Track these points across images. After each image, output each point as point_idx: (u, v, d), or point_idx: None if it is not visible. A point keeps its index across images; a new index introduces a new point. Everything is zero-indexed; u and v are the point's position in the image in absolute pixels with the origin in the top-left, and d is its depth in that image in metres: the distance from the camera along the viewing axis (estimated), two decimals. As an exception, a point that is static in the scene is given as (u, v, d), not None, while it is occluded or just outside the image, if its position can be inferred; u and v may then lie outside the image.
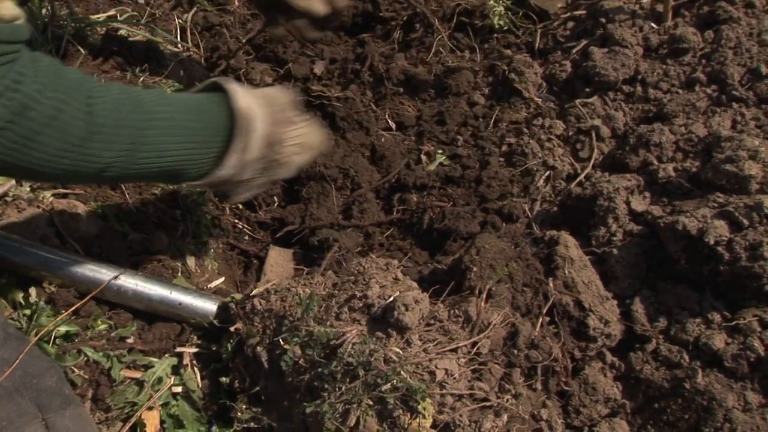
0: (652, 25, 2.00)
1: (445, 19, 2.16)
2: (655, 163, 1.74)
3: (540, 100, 1.99)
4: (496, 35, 2.11)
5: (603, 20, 2.04)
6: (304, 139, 1.36)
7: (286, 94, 1.35)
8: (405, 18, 2.17)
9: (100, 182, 1.40)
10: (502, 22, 2.14)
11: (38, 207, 1.58)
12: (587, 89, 1.97)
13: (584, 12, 2.12)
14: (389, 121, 2.06)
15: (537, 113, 1.98)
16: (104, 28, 2.14)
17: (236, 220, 1.89)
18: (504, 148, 1.95)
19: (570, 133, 1.92)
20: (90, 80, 1.12)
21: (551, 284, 1.45)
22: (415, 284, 1.36)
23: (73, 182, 1.64)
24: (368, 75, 2.11)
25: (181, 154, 1.21)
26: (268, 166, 1.33)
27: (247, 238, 1.88)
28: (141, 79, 1.99)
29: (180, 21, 2.31)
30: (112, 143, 1.12)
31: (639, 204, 1.67)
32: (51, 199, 1.63)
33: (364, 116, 2.02)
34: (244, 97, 1.26)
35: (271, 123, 1.30)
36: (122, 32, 2.15)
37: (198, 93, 1.28)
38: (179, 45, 2.18)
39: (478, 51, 2.11)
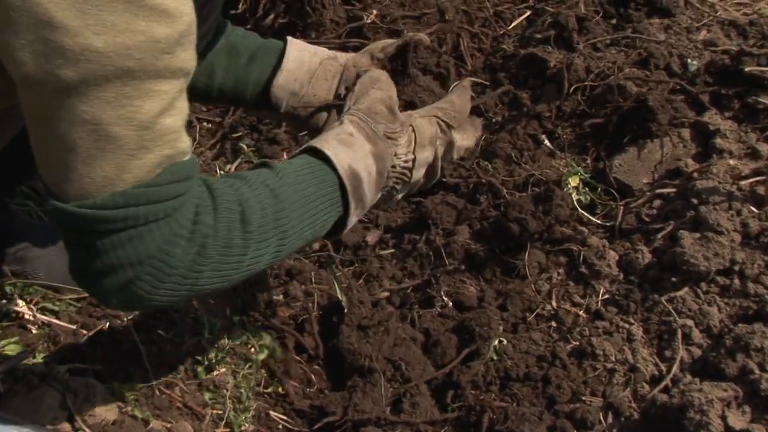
0: (752, 209, 2.01)
1: (515, 189, 2.21)
2: (757, 371, 1.71)
3: (617, 291, 2.01)
4: (572, 211, 2.14)
5: (695, 201, 2.05)
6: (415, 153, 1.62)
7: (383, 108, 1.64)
8: (471, 186, 2.24)
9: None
10: (581, 198, 2.18)
11: (51, 385, 1.59)
12: (674, 279, 1.96)
13: (673, 190, 2.14)
14: (447, 300, 2.09)
15: (614, 305, 2.01)
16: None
17: (270, 408, 1.89)
18: (575, 343, 1.96)
19: (654, 331, 1.92)
20: (239, 189, 1.33)
21: None
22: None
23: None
24: (426, 248, 2.17)
25: (316, 225, 1.45)
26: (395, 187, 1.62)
27: (281, 426, 1.88)
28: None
29: (222, 173, 2.41)
30: (266, 240, 1.34)
31: (737, 420, 1.64)
32: (66, 375, 1.65)
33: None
34: (343, 156, 1.49)
35: (376, 170, 1.54)
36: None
37: (304, 161, 1.50)
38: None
39: (550, 229, 2.13)
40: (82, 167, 1.12)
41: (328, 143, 1.50)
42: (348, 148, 1.51)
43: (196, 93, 1.84)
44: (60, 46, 1.04)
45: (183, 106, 1.19)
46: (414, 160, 1.61)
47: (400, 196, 1.67)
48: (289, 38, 1.84)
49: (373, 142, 1.55)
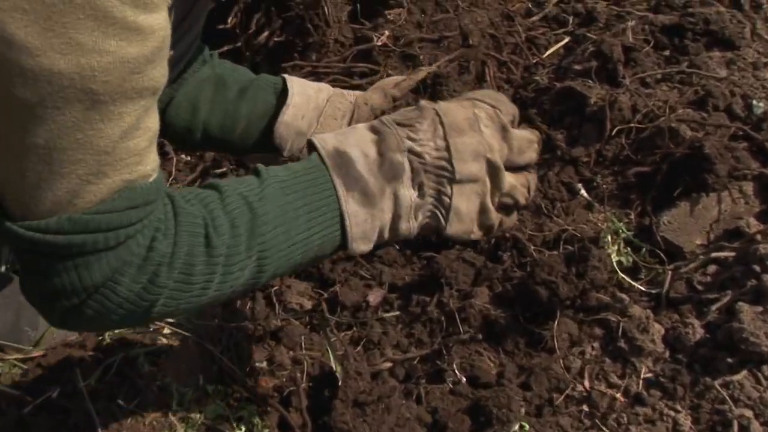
0: (822, 279, 1.89)
1: (545, 246, 2.11)
2: (828, 478, 1.61)
3: (662, 371, 1.91)
4: (610, 275, 2.03)
5: (757, 268, 1.93)
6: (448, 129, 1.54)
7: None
8: (492, 241, 2.13)
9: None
10: (622, 259, 2.07)
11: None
12: (730, 360, 1.85)
13: (732, 254, 2.02)
14: (459, 375, 1.99)
15: (658, 389, 1.90)
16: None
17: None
18: (611, 432, 1.85)
19: (705, 421, 1.81)
20: (209, 205, 1.34)
21: None
22: None
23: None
24: (438, 312, 2.07)
25: (311, 242, 1.44)
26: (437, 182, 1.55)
27: None
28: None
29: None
30: (238, 263, 1.35)
31: None
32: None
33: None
34: (330, 140, 1.49)
35: (376, 151, 1.51)
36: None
37: (306, 165, 1.50)
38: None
39: (584, 295, 2.02)
40: (30, 190, 1.12)
41: (324, 135, 1.52)
42: (341, 136, 1.51)
43: (177, 134, 1.83)
44: (18, 66, 1.01)
45: (150, 125, 1.19)
46: (448, 147, 1.54)
47: (454, 201, 1.60)
48: (286, 75, 1.83)
49: (376, 131, 1.53)
